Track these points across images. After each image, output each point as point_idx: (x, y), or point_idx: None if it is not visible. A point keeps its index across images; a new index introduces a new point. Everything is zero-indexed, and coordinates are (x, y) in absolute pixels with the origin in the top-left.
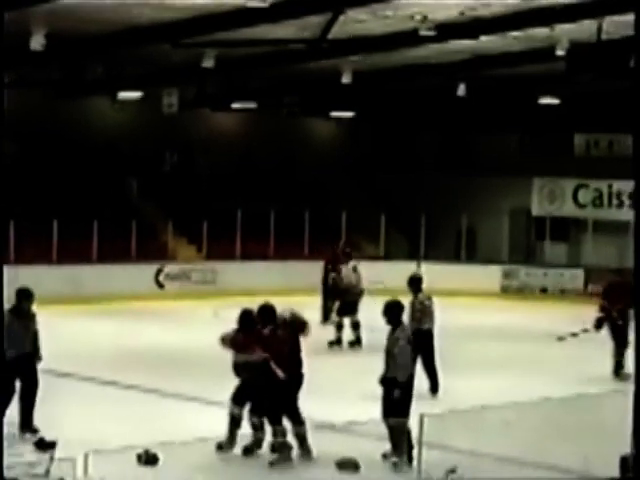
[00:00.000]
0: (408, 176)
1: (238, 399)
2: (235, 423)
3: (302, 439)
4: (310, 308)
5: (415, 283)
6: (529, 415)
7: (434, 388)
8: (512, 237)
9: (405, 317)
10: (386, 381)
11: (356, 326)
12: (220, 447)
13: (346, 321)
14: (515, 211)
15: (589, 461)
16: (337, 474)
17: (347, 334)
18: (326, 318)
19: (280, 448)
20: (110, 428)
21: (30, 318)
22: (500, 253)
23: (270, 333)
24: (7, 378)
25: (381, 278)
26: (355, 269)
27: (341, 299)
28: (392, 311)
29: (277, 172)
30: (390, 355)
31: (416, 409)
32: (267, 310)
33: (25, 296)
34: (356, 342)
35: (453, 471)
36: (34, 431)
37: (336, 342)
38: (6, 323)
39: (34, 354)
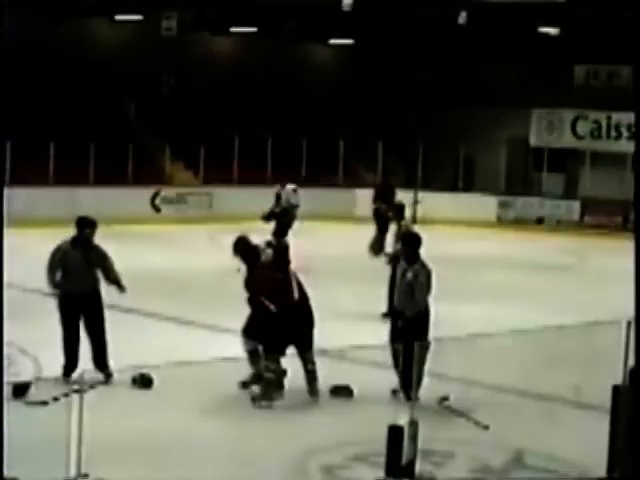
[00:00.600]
0: (406, 105)
1: (248, 332)
2: (253, 357)
3: (308, 376)
4: (303, 234)
5: (399, 210)
6: (523, 343)
7: None
8: (509, 168)
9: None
10: (395, 312)
11: None
12: (244, 385)
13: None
14: (513, 141)
15: (581, 389)
16: (330, 400)
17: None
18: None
19: (265, 383)
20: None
21: (92, 249)
22: (497, 183)
23: (258, 267)
24: (67, 315)
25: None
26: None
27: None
28: (412, 244)
29: (275, 98)
30: (405, 288)
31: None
32: (243, 243)
33: (86, 224)
34: None
35: (446, 399)
36: (108, 375)
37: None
38: (60, 254)
39: (95, 288)
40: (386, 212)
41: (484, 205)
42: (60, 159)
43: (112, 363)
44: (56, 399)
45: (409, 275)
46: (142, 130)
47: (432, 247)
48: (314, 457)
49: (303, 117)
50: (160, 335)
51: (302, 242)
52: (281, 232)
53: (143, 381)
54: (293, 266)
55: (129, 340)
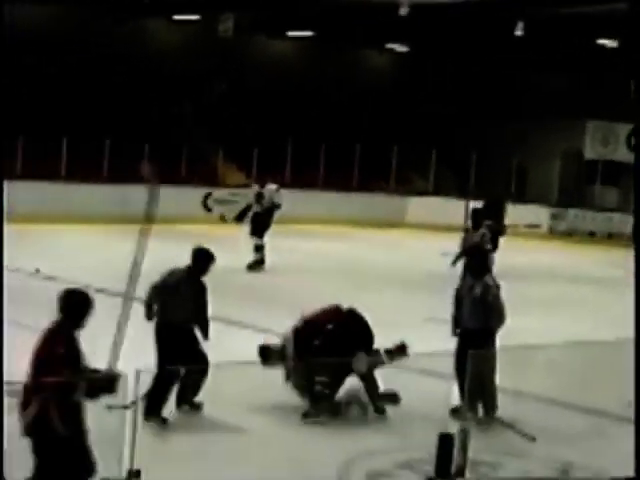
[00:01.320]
0: (461, 113)
1: None
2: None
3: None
4: (353, 239)
5: (478, 216)
6: (574, 356)
7: None
8: (562, 179)
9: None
10: (470, 332)
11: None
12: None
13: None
14: (567, 154)
15: (631, 405)
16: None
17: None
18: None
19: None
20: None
21: (200, 286)
22: (550, 195)
23: None
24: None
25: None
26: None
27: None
28: (480, 258)
29: (329, 103)
30: (482, 303)
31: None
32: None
33: (210, 258)
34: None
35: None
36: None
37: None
38: (172, 280)
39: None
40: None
41: (536, 216)
42: (114, 157)
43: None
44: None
45: (480, 291)
46: (196, 130)
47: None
48: (360, 463)
49: (357, 122)
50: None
51: (333, 246)
52: (260, 232)
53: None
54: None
55: None
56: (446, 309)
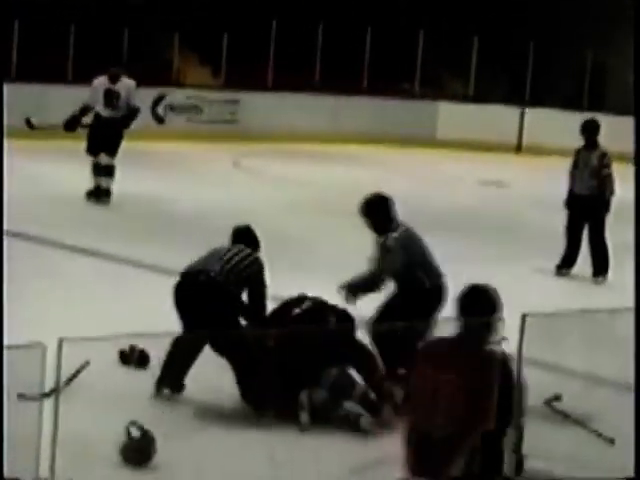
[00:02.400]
0: None
1: None
2: None
3: None
4: (363, 162)
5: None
6: None
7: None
8: None
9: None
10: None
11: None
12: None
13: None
14: None
15: None
16: None
17: None
18: None
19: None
20: (92, 310)
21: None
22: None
23: None
24: None
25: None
26: None
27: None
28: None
29: None
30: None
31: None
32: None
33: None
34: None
35: (557, 399)
36: None
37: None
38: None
39: None
40: None
41: (617, 131)
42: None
43: (93, 331)
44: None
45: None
46: (142, 9)
47: (540, 185)
48: (370, 474)
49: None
50: (159, 294)
51: (338, 171)
52: (112, 147)
53: (137, 358)
54: None
55: (116, 299)
56: (490, 257)
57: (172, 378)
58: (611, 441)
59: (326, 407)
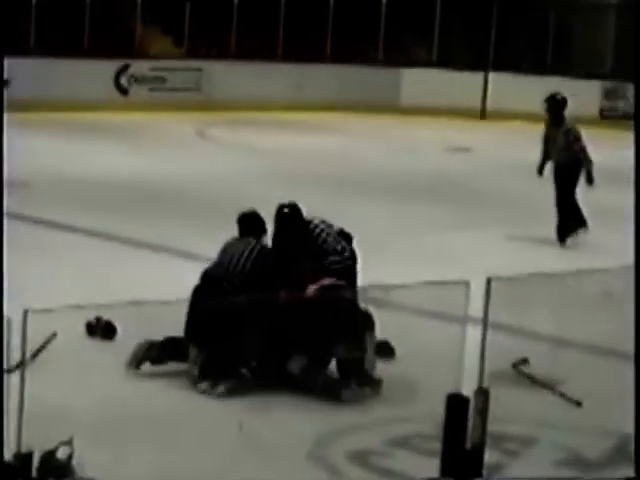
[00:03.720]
0: None
1: None
2: None
3: None
4: (328, 129)
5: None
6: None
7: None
8: (620, 42)
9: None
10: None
11: None
12: None
13: None
14: (625, 5)
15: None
16: None
17: None
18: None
19: None
20: (55, 283)
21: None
22: (602, 64)
23: None
24: None
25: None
26: None
27: None
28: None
29: None
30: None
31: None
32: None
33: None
34: None
35: (524, 362)
36: None
37: None
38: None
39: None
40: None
41: (583, 94)
42: None
43: (57, 301)
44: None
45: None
46: None
47: (505, 151)
48: (340, 441)
49: None
50: (125, 264)
51: (303, 139)
52: None
53: (103, 329)
54: None
55: (81, 271)
56: (456, 223)
57: None
58: (578, 403)
59: (306, 374)
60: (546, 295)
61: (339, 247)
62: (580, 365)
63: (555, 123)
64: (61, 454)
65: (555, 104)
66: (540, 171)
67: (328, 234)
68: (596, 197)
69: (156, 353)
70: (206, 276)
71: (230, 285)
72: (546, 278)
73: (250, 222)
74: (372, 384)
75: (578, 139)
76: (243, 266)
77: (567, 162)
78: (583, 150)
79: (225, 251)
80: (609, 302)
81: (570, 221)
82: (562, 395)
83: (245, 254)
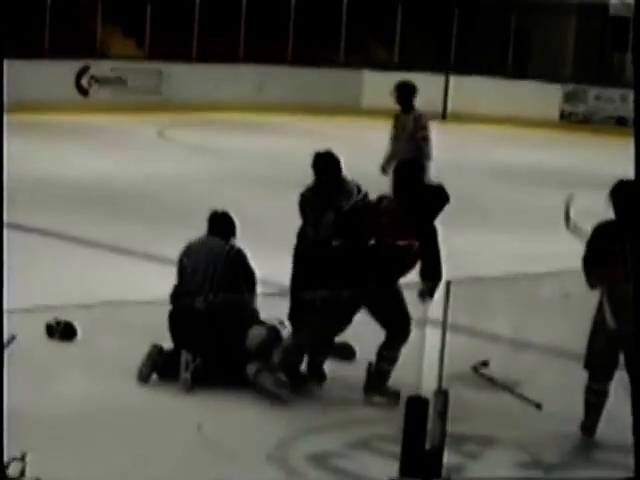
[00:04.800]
0: None
1: None
2: None
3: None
4: (290, 132)
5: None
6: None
7: None
8: (580, 45)
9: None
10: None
11: None
12: None
13: None
14: (585, 8)
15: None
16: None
17: None
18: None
19: None
20: (11, 284)
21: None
22: (562, 67)
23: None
24: None
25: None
26: None
27: None
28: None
29: None
30: None
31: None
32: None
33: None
34: None
35: (484, 364)
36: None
37: None
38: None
39: None
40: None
41: (543, 97)
42: None
43: (19, 304)
44: None
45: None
46: None
47: (467, 153)
48: (300, 442)
49: None
50: (86, 266)
51: (263, 141)
52: None
53: (62, 330)
54: None
55: (43, 272)
56: None
57: None
58: (538, 405)
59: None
60: (505, 298)
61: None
62: (539, 367)
63: (405, 110)
64: (12, 471)
65: (405, 90)
66: (384, 169)
67: None
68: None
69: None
70: (177, 296)
71: (200, 303)
72: (504, 281)
73: (221, 223)
74: (391, 395)
75: (425, 127)
76: (213, 273)
77: (411, 155)
78: (426, 140)
79: (189, 255)
80: (567, 304)
81: None
82: (521, 397)
83: (213, 258)
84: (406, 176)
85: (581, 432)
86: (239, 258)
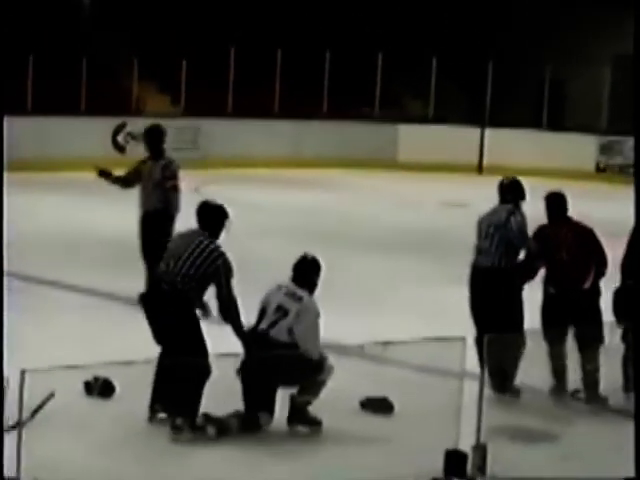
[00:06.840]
0: (470, 6)
1: None
2: None
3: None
4: (326, 186)
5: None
6: None
7: None
8: (615, 97)
9: None
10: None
11: None
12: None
13: None
14: (621, 58)
15: None
16: (361, 418)
17: None
18: None
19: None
20: (48, 342)
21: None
22: (598, 119)
23: None
24: None
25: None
26: None
27: None
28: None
29: None
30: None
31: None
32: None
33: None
34: None
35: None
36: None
37: None
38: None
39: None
40: None
41: (578, 149)
42: None
43: (56, 361)
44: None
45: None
46: (100, 36)
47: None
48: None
49: (326, 22)
50: (124, 322)
51: (300, 195)
52: None
53: (101, 387)
54: None
55: (81, 331)
56: (451, 278)
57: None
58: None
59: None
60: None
61: None
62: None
63: (154, 157)
64: None
65: (154, 135)
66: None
67: None
68: None
69: None
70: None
71: (168, 285)
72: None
73: (207, 216)
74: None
75: (175, 176)
76: (189, 263)
77: (155, 206)
78: (176, 190)
79: (172, 250)
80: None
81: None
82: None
83: (190, 250)
84: (152, 228)
85: None
86: (219, 258)
